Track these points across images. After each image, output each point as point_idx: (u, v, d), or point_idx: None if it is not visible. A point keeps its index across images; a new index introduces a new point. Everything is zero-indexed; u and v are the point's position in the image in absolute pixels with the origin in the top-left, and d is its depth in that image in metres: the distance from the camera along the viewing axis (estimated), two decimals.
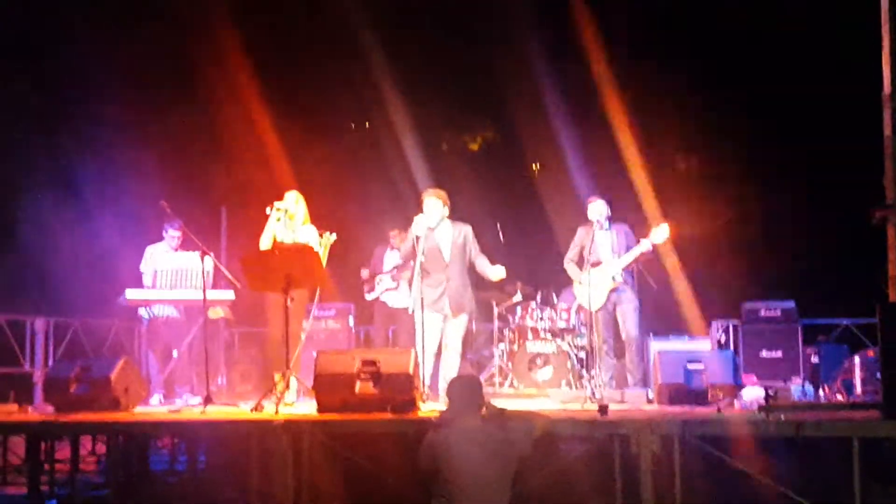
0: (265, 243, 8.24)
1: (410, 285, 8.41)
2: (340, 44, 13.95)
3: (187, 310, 9.15)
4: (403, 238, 10.04)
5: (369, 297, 10.69)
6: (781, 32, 12.72)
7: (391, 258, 10.48)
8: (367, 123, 15.83)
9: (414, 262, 8.15)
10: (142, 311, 9.28)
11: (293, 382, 7.99)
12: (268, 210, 8.23)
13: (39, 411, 7.80)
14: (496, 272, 8.38)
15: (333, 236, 8.43)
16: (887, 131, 7.88)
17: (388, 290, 10.45)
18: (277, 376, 7.57)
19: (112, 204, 12.50)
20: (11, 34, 11.90)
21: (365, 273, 10.58)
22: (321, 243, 8.33)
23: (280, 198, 8.40)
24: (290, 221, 8.34)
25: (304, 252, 7.67)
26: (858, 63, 9.00)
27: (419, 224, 8.16)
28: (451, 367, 8.17)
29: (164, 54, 13.26)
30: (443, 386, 7.76)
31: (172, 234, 9.24)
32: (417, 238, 8.15)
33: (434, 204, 8.30)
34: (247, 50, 13.56)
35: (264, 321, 8.65)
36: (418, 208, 8.36)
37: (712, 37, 13.20)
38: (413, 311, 8.25)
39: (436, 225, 8.30)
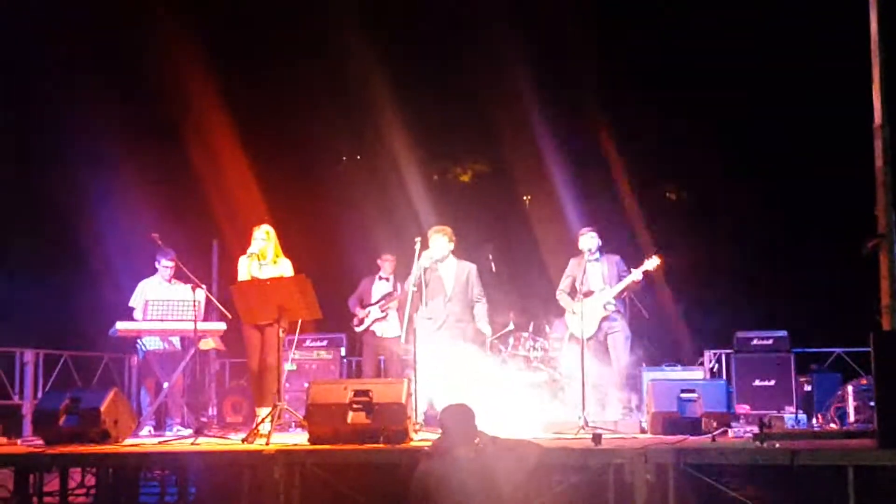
0: None
1: (400, 315, 8.43)
2: (333, 78, 14.01)
3: (181, 341, 9.10)
4: (394, 263, 10.17)
5: (359, 329, 10.64)
6: (773, 65, 12.82)
7: (379, 288, 10.44)
8: (358, 156, 15.85)
9: (416, 292, 8.31)
10: (139, 344, 9.19)
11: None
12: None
13: (28, 443, 7.72)
14: (483, 328, 8.84)
15: None
16: (878, 162, 7.92)
17: (377, 321, 10.40)
18: (261, 410, 7.52)
19: (103, 236, 12.47)
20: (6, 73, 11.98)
21: (360, 312, 10.50)
22: None
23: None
24: (263, 259, 8.34)
25: (298, 282, 7.60)
26: (849, 94, 9.05)
27: (426, 258, 8.41)
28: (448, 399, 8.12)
29: (155, 90, 13.30)
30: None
31: (165, 265, 9.22)
32: (425, 270, 8.39)
33: (440, 240, 8.61)
34: (239, 84, 13.63)
35: None
36: (409, 239, 8.52)
37: (703, 68, 13.28)
38: (405, 341, 8.31)
39: (442, 260, 8.58)
